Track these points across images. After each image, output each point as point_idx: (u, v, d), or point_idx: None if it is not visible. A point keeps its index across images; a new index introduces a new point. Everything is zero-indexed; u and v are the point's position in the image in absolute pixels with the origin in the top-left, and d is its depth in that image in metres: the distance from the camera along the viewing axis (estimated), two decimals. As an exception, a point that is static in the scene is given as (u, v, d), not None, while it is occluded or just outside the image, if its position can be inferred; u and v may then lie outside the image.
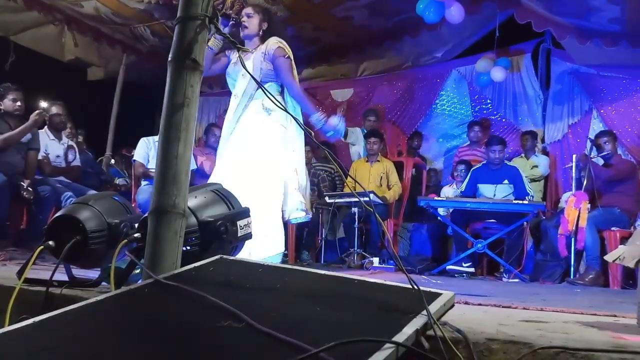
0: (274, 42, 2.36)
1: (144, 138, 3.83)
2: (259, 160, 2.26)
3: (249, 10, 2.41)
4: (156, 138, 3.75)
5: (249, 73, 1.61)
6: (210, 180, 2.17)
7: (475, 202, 3.80)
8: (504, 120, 5.11)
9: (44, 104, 3.65)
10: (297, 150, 2.39)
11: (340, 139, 3.76)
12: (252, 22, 2.39)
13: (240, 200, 1.43)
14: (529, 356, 0.82)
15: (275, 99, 2.08)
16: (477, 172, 4.08)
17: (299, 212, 2.35)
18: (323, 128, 2.34)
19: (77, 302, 0.98)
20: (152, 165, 3.71)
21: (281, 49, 2.34)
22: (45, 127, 3.72)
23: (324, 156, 4.54)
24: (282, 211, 2.33)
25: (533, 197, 3.80)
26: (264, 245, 2.13)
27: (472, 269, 3.77)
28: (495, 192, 3.91)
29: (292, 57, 2.38)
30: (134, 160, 3.85)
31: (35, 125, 3.42)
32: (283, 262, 2.57)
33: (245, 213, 1.40)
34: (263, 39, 2.41)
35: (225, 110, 6.27)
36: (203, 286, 0.97)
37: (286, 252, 3.11)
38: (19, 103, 3.39)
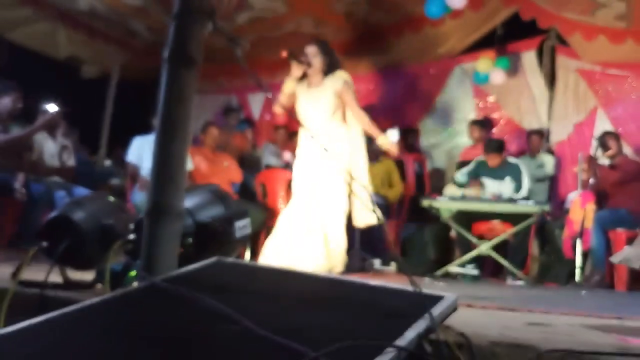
0: (340, 76, 2.79)
1: (138, 137, 3.79)
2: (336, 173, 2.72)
3: (312, 50, 2.82)
4: (151, 137, 3.73)
5: (247, 70, 1.60)
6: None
7: (478, 202, 3.73)
8: (508, 118, 5.05)
9: (53, 108, 3.56)
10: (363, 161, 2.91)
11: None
12: (317, 60, 2.80)
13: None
14: (533, 360, 0.81)
15: (279, 103, 2.30)
16: (482, 164, 3.97)
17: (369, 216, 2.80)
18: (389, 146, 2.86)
19: (72, 305, 0.97)
20: (146, 165, 3.67)
21: (347, 84, 2.80)
22: None
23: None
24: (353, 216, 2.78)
25: (528, 197, 3.76)
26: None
27: (475, 271, 3.69)
28: (500, 188, 3.85)
29: (353, 88, 2.86)
30: (128, 160, 3.81)
31: (44, 128, 3.39)
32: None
33: (243, 214, 1.38)
34: (327, 70, 2.81)
35: (222, 108, 6.27)
36: (200, 289, 0.96)
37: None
38: (18, 103, 3.37)
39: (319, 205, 2.67)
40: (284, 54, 2.74)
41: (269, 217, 3.82)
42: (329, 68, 2.81)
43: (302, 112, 2.84)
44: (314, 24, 4.79)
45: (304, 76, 2.83)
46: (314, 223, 2.64)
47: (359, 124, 2.86)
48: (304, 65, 2.75)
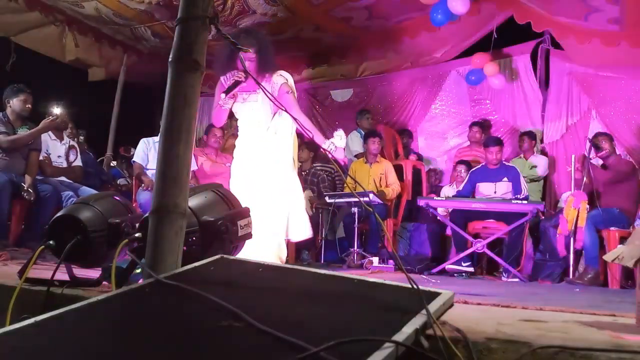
0: (278, 79, 2.48)
1: (144, 139, 3.84)
2: (275, 177, 2.43)
3: (250, 54, 2.38)
4: (156, 139, 3.78)
5: (249, 73, 1.62)
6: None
7: (474, 201, 3.81)
8: (502, 120, 5.12)
9: (57, 110, 3.65)
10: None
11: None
12: (252, 66, 2.41)
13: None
14: (528, 355, 0.82)
15: (277, 101, 2.12)
16: (476, 173, 4.10)
17: (307, 232, 2.52)
18: (336, 154, 2.40)
19: (78, 302, 0.98)
20: (152, 165, 3.72)
21: (286, 85, 2.47)
22: None
23: (324, 156, 4.55)
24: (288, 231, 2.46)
25: (528, 196, 3.82)
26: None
27: (471, 269, 3.77)
28: (496, 189, 3.93)
29: (294, 90, 2.52)
30: (134, 161, 3.87)
31: (47, 130, 3.43)
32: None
33: (245, 213, 1.40)
34: (263, 71, 2.45)
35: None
36: (204, 286, 0.97)
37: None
38: (28, 105, 3.41)
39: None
40: (223, 95, 2.36)
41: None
42: (266, 69, 2.43)
43: (240, 120, 2.55)
44: (314, 28, 4.83)
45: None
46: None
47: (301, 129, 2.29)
48: (242, 79, 2.32)
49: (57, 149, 3.73)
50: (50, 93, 3.98)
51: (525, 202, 3.62)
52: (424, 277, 3.25)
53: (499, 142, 4.04)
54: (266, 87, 2.38)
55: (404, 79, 5.61)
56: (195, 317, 0.90)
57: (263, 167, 2.44)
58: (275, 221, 2.38)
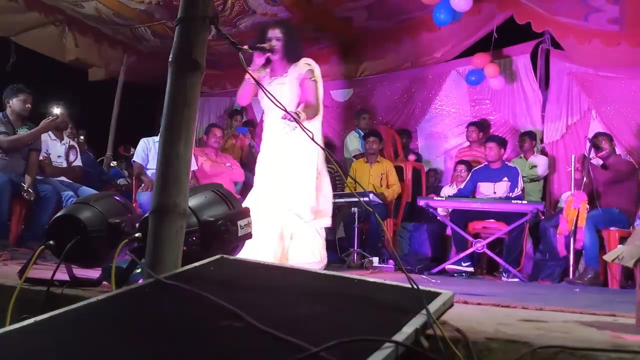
0: (304, 65, 2.55)
1: (144, 139, 3.84)
2: (303, 174, 2.48)
3: (277, 33, 2.52)
4: (156, 138, 3.78)
5: (249, 73, 1.63)
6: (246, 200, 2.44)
7: (474, 201, 3.81)
8: (502, 120, 5.12)
9: (57, 110, 3.67)
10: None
11: None
12: (279, 45, 2.52)
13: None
14: (528, 355, 0.82)
15: (277, 100, 2.14)
16: (478, 172, 4.11)
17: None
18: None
19: (78, 302, 0.98)
20: (151, 165, 3.72)
21: (310, 72, 2.54)
22: None
23: (324, 156, 4.55)
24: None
25: (521, 195, 3.83)
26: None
27: (471, 269, 3.78)
28: (495, 190, 3.94)
29: (318, 79, 2.55)
30: (134, 161, 3.88)
31: (47, 130, 3.44)
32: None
33: (245, 213, 1.40)
34: (291, 57, 2.55)
35: (225, 111, 6.31)
36: (204, 286, 0.97)
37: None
38: (28, 105, 3.41)
39: (281, 206, 2.40)
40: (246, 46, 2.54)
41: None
42: (293, 55, 2.54)
43: (265, 105, 2.58)
44: (314, 28, 4.83)
45: (265, 64, 2.53)
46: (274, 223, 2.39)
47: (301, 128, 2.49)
48: (266, 52, 2.44)
49: (57, 149, 3.73)
50: (50, 93, 3.98)
51: (524, 202, 3.62)
52: (424, 277, 3.25)
53: (495, 139, 4.05)
54: (292, 72, 2.52)
55: (404, 79, 5.61)
56: (195, 317, 0.90)
57: (288, 154, 2.47)
58: (303, 206, 2.42)
